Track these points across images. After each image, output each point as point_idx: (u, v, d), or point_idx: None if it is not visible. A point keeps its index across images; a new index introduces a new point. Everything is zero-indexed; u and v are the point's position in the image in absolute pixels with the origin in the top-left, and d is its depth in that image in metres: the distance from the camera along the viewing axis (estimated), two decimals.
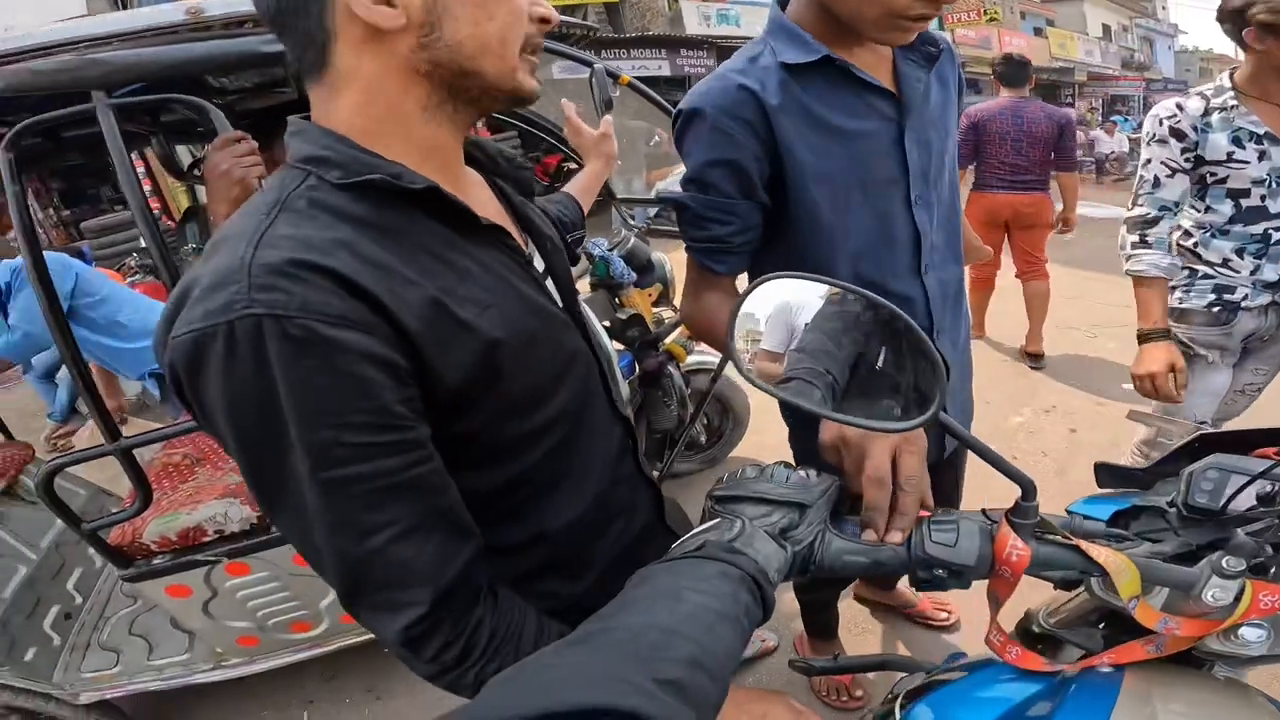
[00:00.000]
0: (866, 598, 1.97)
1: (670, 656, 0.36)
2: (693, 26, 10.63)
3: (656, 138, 8.08)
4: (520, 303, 0.57)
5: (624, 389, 2.02)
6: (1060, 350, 3.76)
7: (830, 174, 0.87)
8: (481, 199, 0.64)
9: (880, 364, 0.49)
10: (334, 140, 0.50)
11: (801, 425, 1.15)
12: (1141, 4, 25.99)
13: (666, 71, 10.55)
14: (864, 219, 0.90)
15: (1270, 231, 1.55)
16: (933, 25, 0.85)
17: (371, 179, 0.48)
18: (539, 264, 0.68)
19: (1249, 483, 0.52)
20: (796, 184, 0.87)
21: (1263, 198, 1.53)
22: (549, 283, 0.67)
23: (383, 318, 0.45)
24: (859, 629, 1.94)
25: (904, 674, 0.77)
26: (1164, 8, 28.78)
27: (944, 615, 1.91)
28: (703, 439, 2.69)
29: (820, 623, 1.70)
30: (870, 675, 1.74)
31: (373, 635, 1.74)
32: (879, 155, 0.88)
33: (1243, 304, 1.60)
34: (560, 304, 0.67)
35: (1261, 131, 1.47)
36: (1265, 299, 1.60)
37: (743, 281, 0.99)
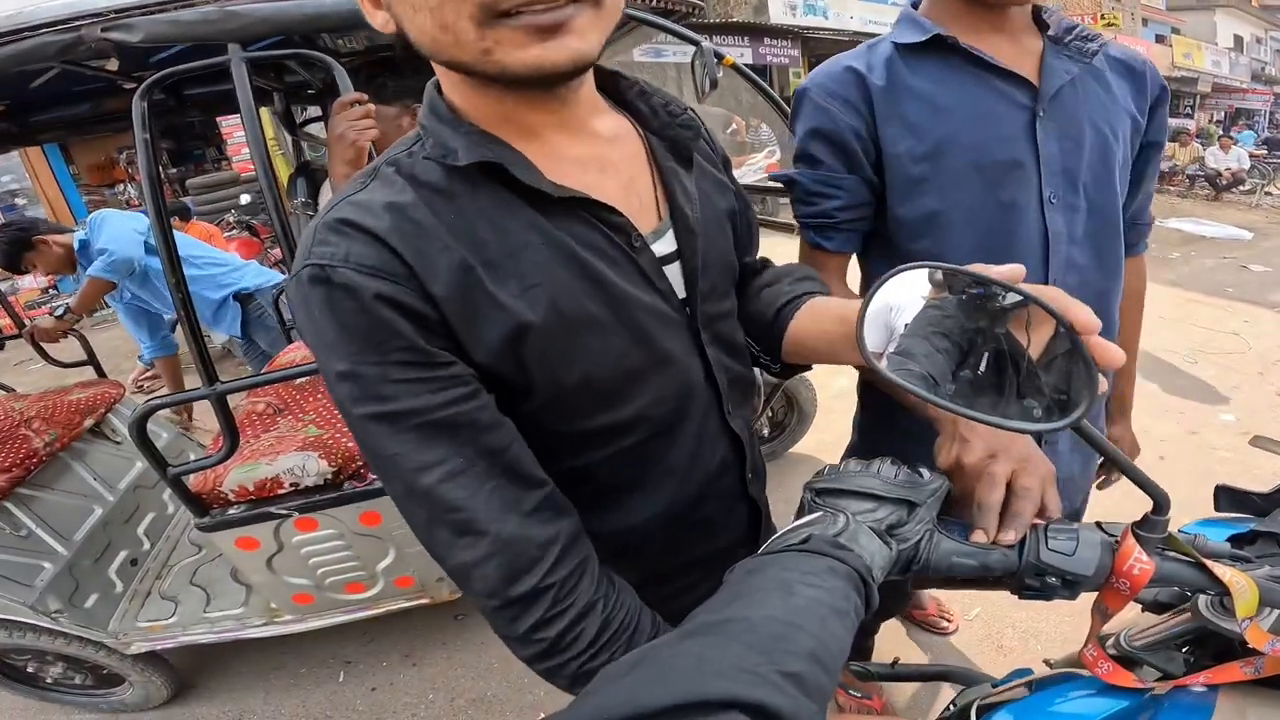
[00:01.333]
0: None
1: (791, 649, 0.36)
2: (777, 15, 10.37)
3: (734, 126, 7.96)
4: (584, 285, 0.53)
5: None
6: (1156, 375, 3.53)
7: (936, 153, 0.83)
8: (609, 158, 0.57)
9: (1004, 363, 0.47)
10: (431, 112, 0.53)
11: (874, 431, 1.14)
12: (1278, 17, 23.80)
13: (749, 60, 10.35)
14: (982, 208, 0.84)
15: None
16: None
17: (429, 156, 0.51)
18: (666, 245, 0.59)
19: None
20: (896, 163, 0.85)
21: None
22: (673, 268, 0.60)
23: (411, 274, 0.48)
24: None
25: (963, 686, 0.75)
26: None
27: (945, 623, 1.91)
28: (765, 431, 2.66)
29: (860, 647, 1.66)
30: (902, 701, 1.70)
31: (418, 600, 1.74)
32: (1000, 138, 0.82)
33: None
34: (680, 295, 0.60)
35: None
36: None
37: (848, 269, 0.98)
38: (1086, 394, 0.39)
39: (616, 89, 0.61)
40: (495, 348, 0.51)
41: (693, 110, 0.65)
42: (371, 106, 1.22)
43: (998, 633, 1.86)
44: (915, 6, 0.88)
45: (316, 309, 0.48)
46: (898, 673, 0.79)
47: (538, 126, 0.53)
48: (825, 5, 10.95)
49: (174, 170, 8.62)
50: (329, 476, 1.56)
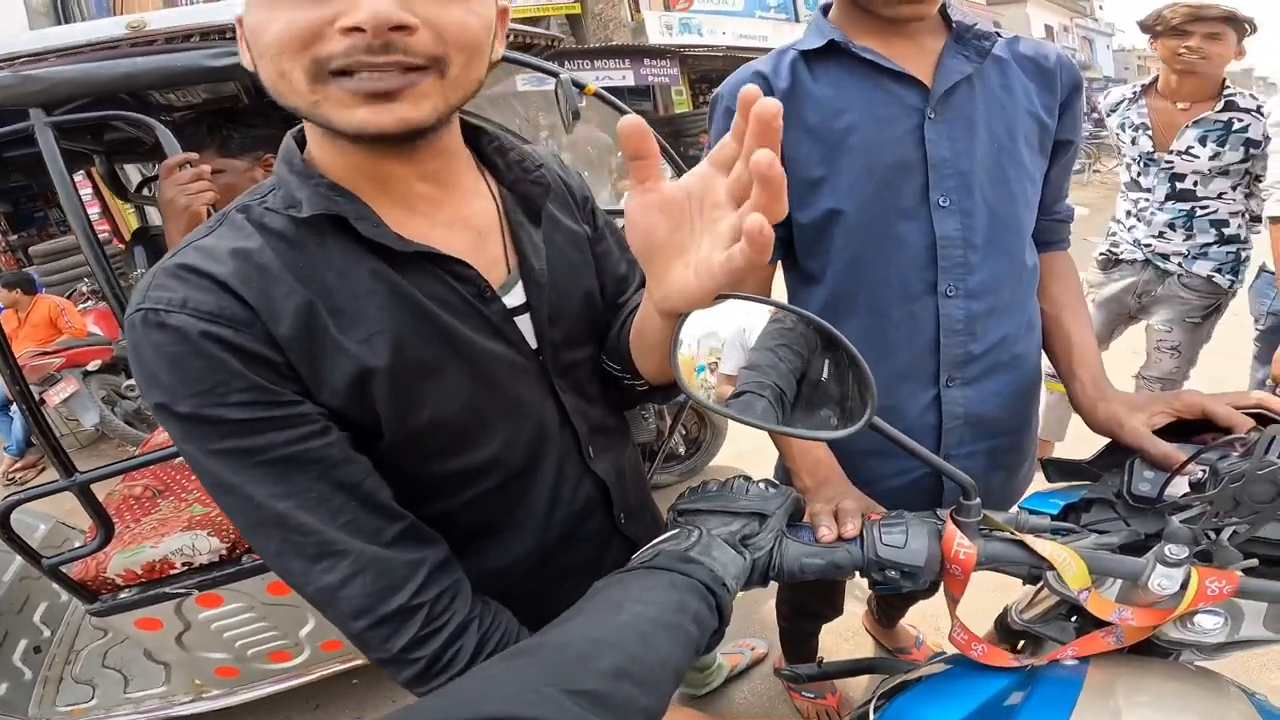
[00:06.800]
0: (871, 633, 1.93)
1: (592, 667, 0.37)
2: (655, 36, 10.72)
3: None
4: (429, 333, 0.54)
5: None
6: None
7: (833, 155, 0.82)
8: (461, 214, 0.58)
9: (821, 376, 0.50)
10: (285, 161, 0.53)
11: None
12: (1080, 4, 27.14)
13: (631, 81, 10.61)
14: (874, 210, 0.83)
15: (1140, 200, 2.12)
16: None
17: (272, 207, 0.52)
18: (516, 297, 0.61)
19: (1180, 468, 0.54)
20: (795, 166, 0.82)
21: (1137, 174, 2.10)
22: (524, 319, 0.61)
23: (256, 318, 0.48)
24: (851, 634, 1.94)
25: (886, 675, 0.78)
26: (1101, 7, 29.96)
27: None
28: (681, 450, 2.70)
29: (801, 651, 1.67)
30: (857, 696, 1.74)
31: (353, 662, 1.68)
32: (890, 140, 0.81)
33: (1121, 256, 2.18)
34: (532, 344, 0.61)
35: (1138, 122, 2.05)
36: (1139, 255, 2.13)
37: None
38: (869, 396, 0.43)
39: (476, 143, 0.63)
40: (340, 390, 0.51)
41: (553, 160, 0.67)
42: (205, 168, 1.13)
43: (934, 616, 1.92)
44: (826, 14, 0.88)
45: (150, 352, 0.47)
46: (826, 671, 0.81)
47: (393, 178, 0.53)
48: (699, 23, 11.42)
49: (15, 236, 7.74)
50: (223, 553, 1.53)
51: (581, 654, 0.38)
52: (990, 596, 0.56)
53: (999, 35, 0.82)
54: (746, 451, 2.83)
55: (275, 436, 0.49)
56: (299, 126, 0.55)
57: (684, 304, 0.44)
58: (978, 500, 0.52)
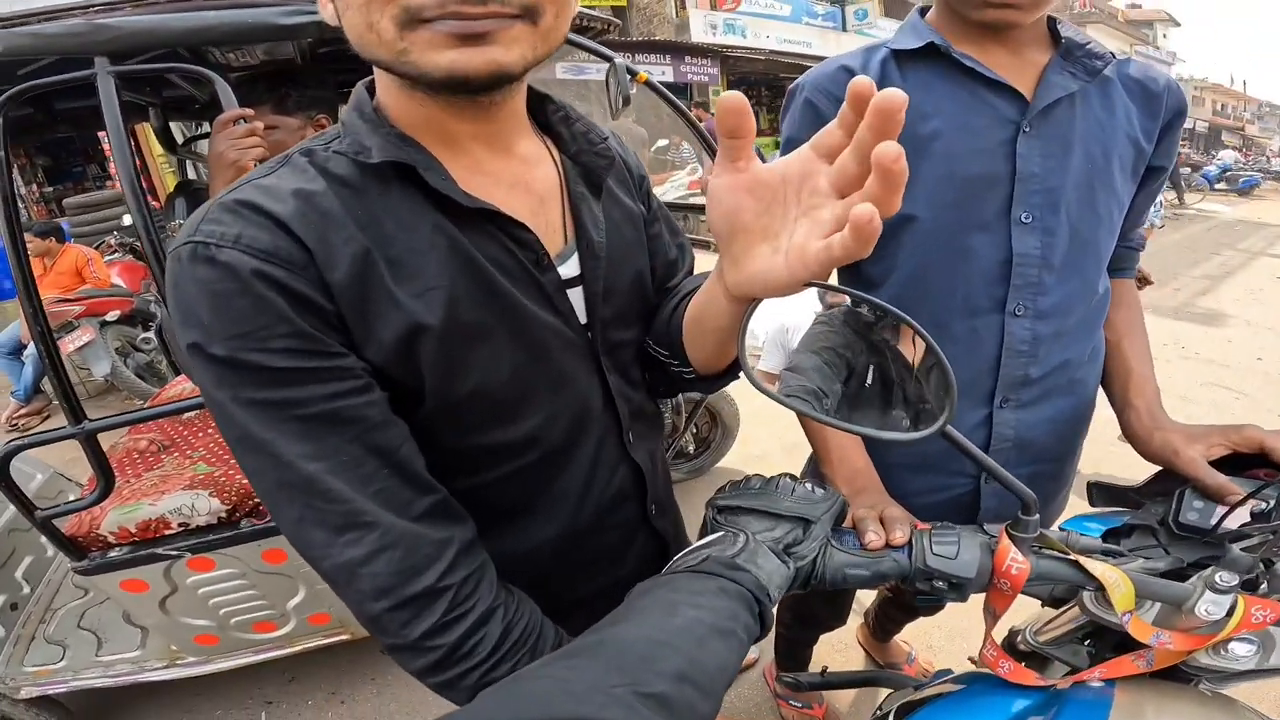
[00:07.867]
0: (864, 646, 1.91)
1: (657, 669, 0.36)
2: (699, 34, 10.70)
3: (665, 141, 8.10)
4: (484, 296, 0.52)
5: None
6: None
7: (914, 158, 0.76)
8: (523, 178, 0.57)
9: (888, 375, 0.49)
10: (355, 109, 0.52)
11: None
12: (1143, 32, 26.89)
13: (670, 78, 10.60)
14: (949, 219, 0.80)
15: None
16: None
17: (342, 151, 0.50)
18: (570, 269, 0.59)
19: (1240, 502, 0.53)
20: None
21: None
22: (576, 292, 0.59)
23: (311, 261, 0.46)
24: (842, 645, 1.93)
25: (891, 690, 0.77)
26: (1164, 35, 29.57)
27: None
28: (690, 449, 2.67)
29: (795, 660, 1.66)
30: (843, 708, 1.74)
31: (337, 637, 1.67)
32: (979, 151, 0.79)
33: None
34: (582, 319, 0.60)
35: None
36: None
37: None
38: (948, 402, 0.41)
39: (542, 111, 0.62)
40: (389, 346, 0.49)
41: (614, 137, 0.66)
42: (258, 124, 1.13)
43: (926, 634, 1.91)
44: (924, 14, 0.85)
45: (192, 288, 0.44)
46: (828, 680, 0.80)
47: (459, 136, 0.53)
48: (744, 25, 11.38)
49: (50, 188, 7.93)
50: (223, 515, 1.47)
51: (644, 655, 0.37)
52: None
53: (1112, 56, 0.80)
54: (755, 456, 2.82)
55: (315, 390, 0.46)
56: (370, 78, 0.53)
57: (764, 289, 0.42)
58: (1037, 516, 0.50)
